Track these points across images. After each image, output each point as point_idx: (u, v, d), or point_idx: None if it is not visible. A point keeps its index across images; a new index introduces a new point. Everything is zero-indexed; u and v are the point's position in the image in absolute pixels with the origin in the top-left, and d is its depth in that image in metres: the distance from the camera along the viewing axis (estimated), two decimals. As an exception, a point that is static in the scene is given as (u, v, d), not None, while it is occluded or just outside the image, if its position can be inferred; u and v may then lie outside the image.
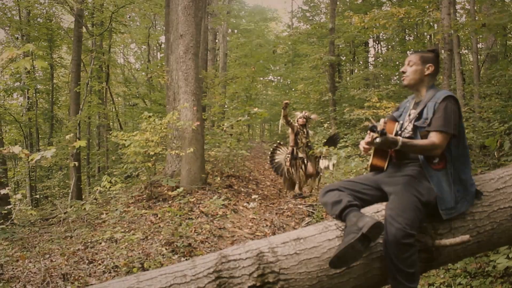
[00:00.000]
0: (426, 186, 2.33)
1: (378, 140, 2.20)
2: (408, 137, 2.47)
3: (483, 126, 6.82)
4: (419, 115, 2.47)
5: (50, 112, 16.39)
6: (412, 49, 15.74)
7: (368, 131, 2.29)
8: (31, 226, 7.19)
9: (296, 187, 8.10)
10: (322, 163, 8.01)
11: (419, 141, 2.36)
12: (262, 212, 6.83)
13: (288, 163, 8.03)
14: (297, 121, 7.97)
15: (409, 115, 2.58)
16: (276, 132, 20.62)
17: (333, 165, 7.78)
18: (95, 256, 4.60)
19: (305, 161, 7.95)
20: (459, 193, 2.36)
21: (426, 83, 2.55)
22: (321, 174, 8.08)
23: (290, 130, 8.09)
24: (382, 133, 2.18)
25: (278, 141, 9.27)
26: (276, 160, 8.51)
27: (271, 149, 8.82)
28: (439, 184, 2.34)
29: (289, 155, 8.05)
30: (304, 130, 7.94)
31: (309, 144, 8.05)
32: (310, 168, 7.92)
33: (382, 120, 2.25)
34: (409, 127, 2.52)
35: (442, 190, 2.33)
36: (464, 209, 2.37)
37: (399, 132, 2.55)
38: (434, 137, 2.33)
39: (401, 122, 2.61)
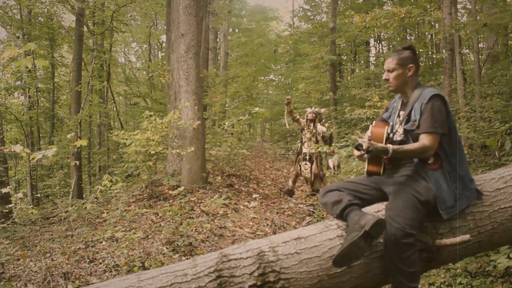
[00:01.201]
0: (424, 186, 2.34)
1: (366, 156, 2.21)
2: (401, 141, 2.48)
3: (484, 126, 6.82)
4: (408, 118, 2.47)
5: (51, 111, 16.39)
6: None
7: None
8: (32, 225, 7.20)
9: (290, 182, 8.11)
10: (331, 162, 7.97)
11: (410, 146, 2.35)
12: (263, 212, 6.83)
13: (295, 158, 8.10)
14: (307, 116, 7.94)
15: (398, 116, 2.57)
16: (278, 131, 20.61)
17: (336, 166, 7.77)
18: (96, 255, 4.60)
19: (308, 157, 7.90)
20: (458, 190, 2.36)
21: (411, 84, 2.53)
22: (330, 173, 8.02)
23: (299, 126, 8.12)
24: (368, 151, 2.19)
25: (299, 141, 9.31)
26: None
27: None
28: (437, 184, 2.34)
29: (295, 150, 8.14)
30: (311, 125, 7.88)
31: (324, 139, 7.96)
32: (314, 167, 7.88)
33: (366, 136, 2.25)
34: (400, 130, 2.52)
35: (441, 190, 2.33)
36: (464, 206, 2.37)
37: (391, 135, 2.54)
38: (424, 139, 2.33)
39: (391, 123, 2.61)
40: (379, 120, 2.71)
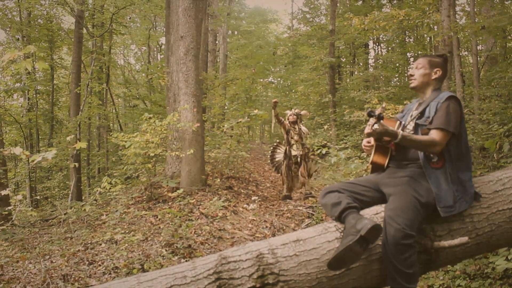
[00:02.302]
0: (425, 187, 2.35)
1: (376, 126, 2.22)
2: None
3: (482, 128, 6.83)
4: (421, 114, 2.50)
5: (50, 113, 16.38)
6: (412, 51, 15.77)
7: (368, 119, 2.32)
8: (31, 227, 7.20)
9: (284, 188, 8.10)
10: (313, 167, 8.02)
11: (419, 136, 2.39)
12: (262, 214, 6.83)
13: (284, 163, 8.06)
14: (288, 118, 7.97)
15: (411, 115, 2.61)
16: (276, 133, 20.63)
17: (315, 171, 7.83)
18: (95, 257, 4.60)
19: (299, 160, 7.90)
20: (458, 193, 2.37)
21: (432, 87, 2.58)
22: (308, 178, 8.05)
23: (283, 129, 8.10)
24: (380, 117, 2.20)
25: (278, 140, 9.26)
26: (276, 159, 8.49)
27: (271, 148, 8.81)
28: (437, 182, 2.36)
29: (283, 154, 8.09)
30: (295, 127, 7.92)
31: (303, 141, 8.00)
32: (302, 168, 7.89)
33: (381, 106, 2.28)
34: (410, 126, 2.55)
35: (441, 188, 2.34)
36: (462, 209, 2.37)
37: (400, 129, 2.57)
38: (434, 134, 2.36)
39: (403, 123, 2.63)
40: (392, 119, 2.75)
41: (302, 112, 8.14)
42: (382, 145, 2.55)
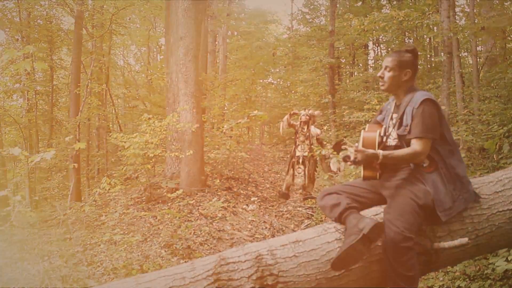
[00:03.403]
0: (423, 189, 2.33)
1: (354, 167, 2.24)
2: (395, 146, 2.47)
3: (482, 129, 6.83)
4: (400, 122, 2.45)
5: (50, 113, 16.37)
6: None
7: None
8: (30, 228, 7.19)
9: (284, 186, 8.08)
10: (333, 166, 7.90)
11: (401, 151, 2.35)
12: (262, 215, 6.82)
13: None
14: (300, 118, 7.91)
15: (391, 118, 2.56)
16: (276, 134, 20.61)
17: (339, 168, 7.71)
18: (94, 258, 4.60)
19: (301, 161, 7.86)
20: (456, 191, 2.36)
21: (404, 88, 2.50)
22: (331, 176, 7.97)
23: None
24: (355, 162, 2.21)
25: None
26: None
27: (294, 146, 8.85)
28: (434, 186, 2.34)
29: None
30: (305, 128, 7.86)
31: (319, 141, 7.92)
32: (306, 171, 7.84)
33: (354, 146, 2.27)
34: (393, 134, 2.51)
35: (438, 192, 2.33)
36: (461, 208, 2.36)
37: (384, 138, 2.54)
38: (415, 145, 2.32)
39: (384, 126, 2.60)
40: (373, 123, 2.72)
41: (316, 113, 8.08)
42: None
